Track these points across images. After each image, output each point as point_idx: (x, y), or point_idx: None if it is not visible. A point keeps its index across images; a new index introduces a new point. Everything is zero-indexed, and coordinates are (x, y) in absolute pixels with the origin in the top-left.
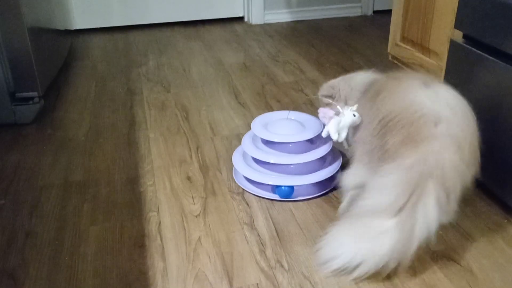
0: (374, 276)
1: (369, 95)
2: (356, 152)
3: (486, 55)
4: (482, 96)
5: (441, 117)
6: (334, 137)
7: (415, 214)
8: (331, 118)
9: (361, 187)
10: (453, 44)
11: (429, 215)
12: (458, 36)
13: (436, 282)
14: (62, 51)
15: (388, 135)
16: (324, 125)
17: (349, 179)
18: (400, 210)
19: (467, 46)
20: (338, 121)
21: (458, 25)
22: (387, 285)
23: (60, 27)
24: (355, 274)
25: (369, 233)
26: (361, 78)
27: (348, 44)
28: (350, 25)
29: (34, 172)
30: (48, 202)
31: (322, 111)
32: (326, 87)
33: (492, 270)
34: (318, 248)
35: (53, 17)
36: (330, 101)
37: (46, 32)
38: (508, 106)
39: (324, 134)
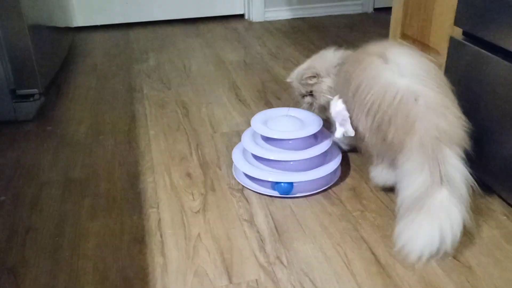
0: (373, 273)
1: (341, 79)
2: (369, 152)
3: (486, 52)
4: (482, 92)
5: (416, 91)
6: (353, 133)
7: (452, 177)
8: (345, 119)
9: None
10: (452, 41)
11: (460, 169)
12: (458, 33)
13: (434, 278)
14: (62, 48)
15: (382, 129)
16: (332, 124)
17: (382, 180)
18: (440, 181)
19: (467, 43)
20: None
21: (458, 22)
22: (386, 281)
23: (61, 24)
24: (442, 252)
25: (437, 213)
26: (334, 54)
27: (349, 41)
28: (350, 22)
29: (35, 168)
30: (48, 198)
31: (335, 111)
32: (306, 70)
33: (490, 266)
34: (401, 251)
35: (53, 15)
36: (314, 80)
37: (47, 29)
38: (507, 103)
39: (339, 135)
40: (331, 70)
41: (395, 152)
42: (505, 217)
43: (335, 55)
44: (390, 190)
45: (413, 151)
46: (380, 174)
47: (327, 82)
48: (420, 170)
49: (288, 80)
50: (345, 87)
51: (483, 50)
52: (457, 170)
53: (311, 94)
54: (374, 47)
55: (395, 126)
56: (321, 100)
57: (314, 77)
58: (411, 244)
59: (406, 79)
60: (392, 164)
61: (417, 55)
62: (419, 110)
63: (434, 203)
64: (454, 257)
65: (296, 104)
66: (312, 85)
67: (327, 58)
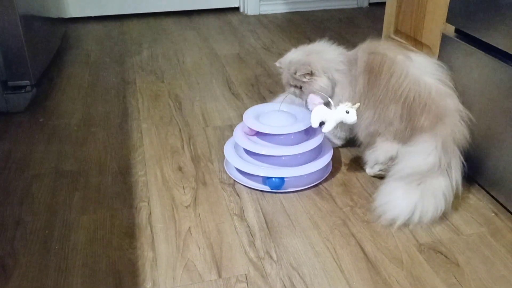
0: (361, 268)
1: (364, 71)
2: (380, 131)
3: (477, 50)
4: (473, 89)
5: (446, 91)
6: (314, 125)
7: (455, 169)
8: (315, 105)
9: (392, 159)
10: (445, 38)
11: (459, 168)
12: (450, 30)
13: (422, 274)
14: (55, 39)
15: (416, 116)
16: None
17: (383, 154)
18: (447, 167)
19: (459, 40)
20: (322, 110)
21: (450, 19)
22: (375, 277)
23: (54, 15)
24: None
25: (432, 191)
26: (332, 50)
27: (343, 36)
28: (345, 17)
29: (26, 160)
30: (39, 191)
31: (310, 97)
32: (301, 66)
33: (478, 263)
34: (381, 209)
35: (46, 5)
36: (308, 78)
37: (39, 20)
38: (497, 101)
39: (326, 130)
40: (329, 69)
41: (415, 133)
42: (493, 214)
43: (335, 54)
44: (381, 178)
45: (436, 136)
46: (384, 146)
47: (319, 82)
48: (433, 153)
49: (277, 64)
50: (368, 81)
51: (474, 48)
52: (458, 167)
53: (299, 87)
54: (395, 47)
55: (429, 113)
56: (307, 91)
57: (309, 74)
58: (393, 206)
59: (431, 78)
60: (398, 142)
61: (429, 58)
62: (449, 106)
63: (431, 185)
64: (442, 253)
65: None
66: (304, 81)
67: (326, 57)
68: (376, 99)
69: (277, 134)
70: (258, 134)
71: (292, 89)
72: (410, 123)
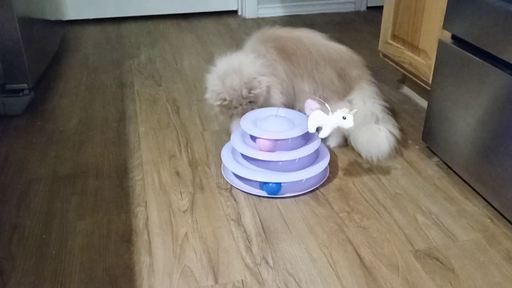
0: (358, 274)
1: (282, 57)
2: (326, 95)
3: (473, 56)
4: (469, 95)
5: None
6: (311, 130)
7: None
8: (312, 110)
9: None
10: (441, 44)
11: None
12: (447, 36)
13: (418, 280)
14: (53, 42)
15: (346, 71)
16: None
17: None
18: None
19: (455, 47)
20: (319, 115)
21: (446, 25)
22: (370, 284)
23: (52, 17)
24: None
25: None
26: (247, 57)
27: (340, 40)
28: (343, 20)
29: (23, 164)
30: (36, 195)
31: (308, 102)
32: (247, 83)
33: (474, 269)
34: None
35: (44, 7)
36: (258, 88)
37: (37, 22)
38: (493, 107)
39: (323, 135)
40: (262, 69)
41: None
42: (489, 220)
43: (250, 61)
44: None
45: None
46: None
47: (267, 82)
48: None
49: (217, 98)
50: (291, 62)
51: (470, 54)
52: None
53: (250, 102)
54: (281, 30)
55: (355, 66)
56: (261, 100)
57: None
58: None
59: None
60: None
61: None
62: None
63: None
64: (438, 260)
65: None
66: (257, 95)
67: (250, 61)
68: (309, 71)
69: (274, 139)
70: (255, 139)
71: (241, 108)
72: (346, 79)
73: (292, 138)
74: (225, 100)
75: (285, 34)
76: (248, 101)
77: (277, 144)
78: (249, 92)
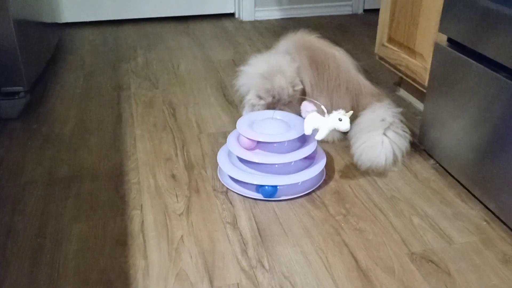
0: (354, 277)
1: (310, 66)
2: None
3: (469, 59)
4: (465, 98)
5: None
6: (307, 132)
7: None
8: (308, 113)
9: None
10: (437, 47)
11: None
12: (443, 39)
13: (414, 283)
14: (50, 44)
15: (360, 99)
16: None
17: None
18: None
19: (451, 50)
20: (315, 117)
21: (442, 28)
22: (367, 286)
23: (48, 20)
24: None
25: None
26: (282, 57)
27: (337, 42)
28: (340, 23)
29: (18, 167)
30: (31, 198)
31: (304, 104)
32: (292, 83)
33: (469, 272)
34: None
35: (40, 10)
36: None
37: (33, 25)
38: (489, 109)
39: (319, 137)
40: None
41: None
42: (485, 222)
43: (287, 58)
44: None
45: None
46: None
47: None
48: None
49: (265, 101)
50: (317, 74)
51: (466, 57)
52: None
53: (287, 103)
54: (318, 41)
55: (366, 96)
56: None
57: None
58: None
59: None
60: None
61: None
62: (372, 91)
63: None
64: (434, 262)
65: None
66: (298, 90)
67: (287, 62)
68: (329, 89)
69: (270, 142)
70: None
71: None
72: (358, 109)
73: (288, 141)
74: (274, 97)
75: (321, 46)
76: (289, 101)
77: (263, 145)
78: (294, 90)
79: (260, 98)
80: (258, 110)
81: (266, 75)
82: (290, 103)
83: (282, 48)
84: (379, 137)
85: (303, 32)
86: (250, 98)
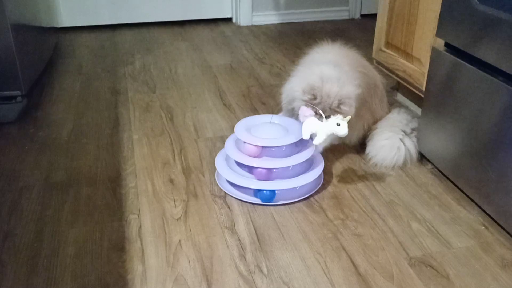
0: (352, 282)
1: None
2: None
3: (466, 64)
4: (462, 102)
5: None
6: (305, 137)
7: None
8: (306, 117)
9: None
10: (434, 51)
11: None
12: (440, 43)
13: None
14: (47, 49)
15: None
16: None
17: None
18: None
19: (448, 54)
20: (312, 122)
21: (439, 33)
22: None
23: (46, 24)
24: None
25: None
26: (345, 67)
27: None
28: (337, 28)
29: (15, 172)
30: (28, 203)
31: (301, 109)
32: (343, 99)
33: (468, 276)
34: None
35: (38, 14)
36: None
37: (31, 29)
38: (486, 114)
39: (317, 142)
40: (356, 91)
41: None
42: (483, 227)
43: (354, 74)
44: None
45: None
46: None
47: (355, 107)
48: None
49: (306, 97)
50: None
51: (463, 62)
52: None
53: (328, 116)
54: (367, 65)
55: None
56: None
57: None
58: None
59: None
60: None
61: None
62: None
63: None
64: (433, 267)
65: (281, 110)
66: (342, 112)
67: (350, 78)
68: (370, 112)
69: (268, 146)
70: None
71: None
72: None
73: (286, 145)
74: (315, 98)
75: (370, 69)
76: (329, 114)
77: (262, 150)
78: (338, 106)
79: (304, 92)
80: (297, 106)
81: (323, 77)
82: (328, 115)
83: (327, 59)
84: (398, 141)
85: (342, 45)
86: (297, 89)
